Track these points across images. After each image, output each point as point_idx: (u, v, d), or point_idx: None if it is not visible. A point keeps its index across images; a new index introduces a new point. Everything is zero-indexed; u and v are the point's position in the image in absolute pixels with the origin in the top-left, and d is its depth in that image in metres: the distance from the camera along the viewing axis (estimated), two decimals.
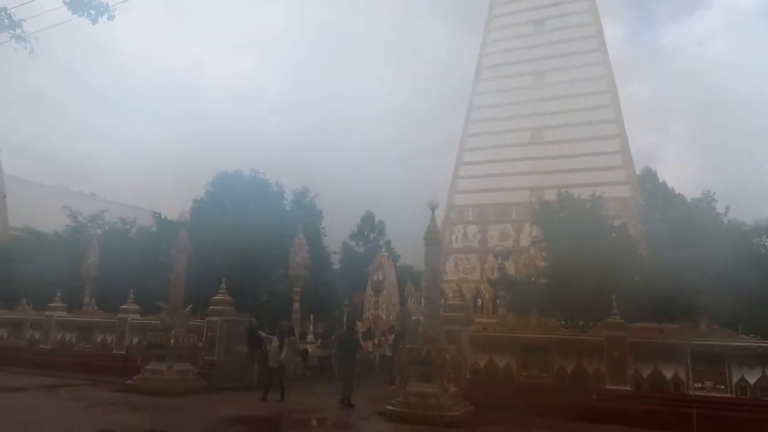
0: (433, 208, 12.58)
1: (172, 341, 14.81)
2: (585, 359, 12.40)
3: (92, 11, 8.54)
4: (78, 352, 18.86)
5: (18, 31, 10.15)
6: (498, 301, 20.34)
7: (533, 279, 17.09)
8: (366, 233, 43.19)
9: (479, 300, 25.09)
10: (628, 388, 11.94)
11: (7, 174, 34.48)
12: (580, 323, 14.86)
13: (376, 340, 19.58)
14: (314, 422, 11.54)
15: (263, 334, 14.84)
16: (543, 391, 12.26)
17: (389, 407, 11.48)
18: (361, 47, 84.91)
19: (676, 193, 23.86)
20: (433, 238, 12.59)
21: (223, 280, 16.70)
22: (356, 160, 63.12)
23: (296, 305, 18.91)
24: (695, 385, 11.47)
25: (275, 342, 14.11)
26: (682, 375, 11.67)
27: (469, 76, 29.75)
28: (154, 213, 24.99)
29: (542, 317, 14.05)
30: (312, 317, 22.73)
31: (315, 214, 26.70)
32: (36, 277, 21.13)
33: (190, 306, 16.05)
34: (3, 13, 9.74)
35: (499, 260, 19.68)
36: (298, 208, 25.66)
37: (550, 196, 18.74)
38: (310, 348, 19.79)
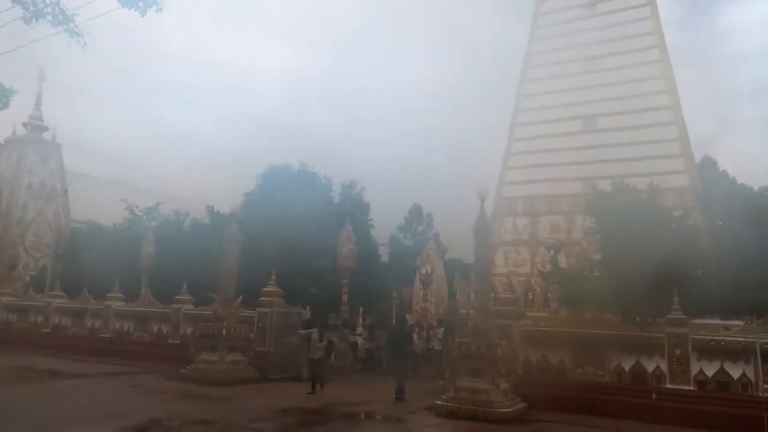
0: (482, 199, 12.30)
1: (224, 332, 15.06)
2: (644, 357, 11.89)
3: (140, 3, 8.65)
4: (135, 341, 19.47)
5: (71, 25, 10.41)
6: (549, 295, 19.82)
7: (587, 272, 16.51)
8: (414, 226, 43.03)
9: (530, 294, 24.55)
10: (691, 387, 11.37)
11: (68, 169, 35.88)
12: (638, 319, 14.27)
13: (424, 333, 19.42)
14: (363, 415, 11.48)
15: (301, 331, 14.97)
16: (599, 389, 11.83)
17: (439, 402, 11.33)
18: (408, 36, 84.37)
19: (738, 182, 22.68)
20: (482, 229, 12.31)
21: (273, 271, 16.86)
22: (404, 153, 62.96)
23: (344, 297, 18.96)
24: (765, 386, 10.81)
25: (315, 334, 14.18)
26: (751, 375, 11.02)
27: (519, 63, 29.06)
28: (208, 206, 25.59)
29: (597, 312, 13.55)
30: (361, 310, 22.79)
31: (362, 206, 26.78)
32: (96, 268, 21.98)
33: (241, 297, 16.31)
34: (57, 8, 10.00)
35: (552, 253, 19.16)
36: (345, 201, 25.79)
37: (604, 186, 18.07)
38: (359, 340, 19.83)
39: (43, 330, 22.07)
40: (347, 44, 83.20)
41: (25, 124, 34.29)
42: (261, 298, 16.73)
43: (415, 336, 18.55)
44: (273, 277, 16.82)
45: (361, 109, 78.63)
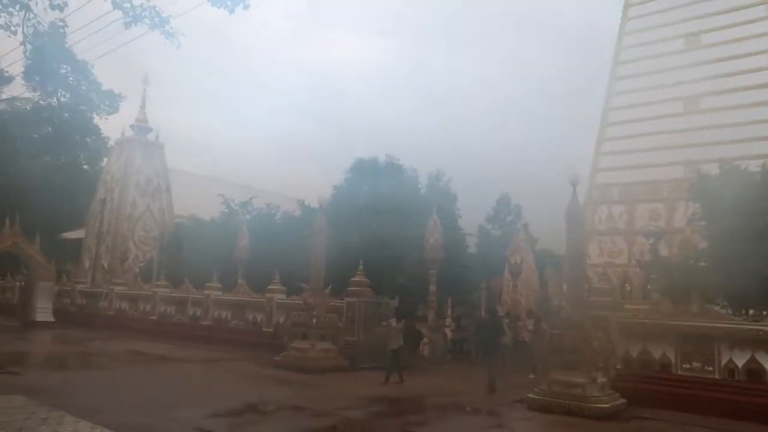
0: (574, 184, 11.74)
1: (314, 321, 15.42)
2: (760, 352, 10.90)
3: (228, 1, 8.91)
4: (232, 329, 20.39)
5: (166, 27, 10.91)
6: (649, 286, 18.73)
7: (691, 261, 15.42)
8: (502, 216, 42.17)
9: (627, 285, 23.29)
10: None
11: (170, 167, 38.15)
12: (751, 311, 13.13)
13: (513, 325, 18.97)
14: (453, 406, 11.35)
15: (384, 322, 15.01)
16: (707, 386, 10.99)
17: (531, 395, 10.97)
18: (493, 22, 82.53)
19: None
20: (575, 216, 11.76)
21: (361, 262, 17.07)
22: (492, 144, 61.81)
23: (432, 288, 18.83)
24: None
25: (394, 323, 14.15)
26: None
27: (610, 44, 27.55)
28: (299, 200, 26.41)
29: (703, 304, 12.59)
30: (449, 301, 22.65)
31: (449, 197, 26.62)
32: (196, 259, 23.26)
33: (330, 287, 16.63)
34: (153, 11, 10.51)
35: (651, 241, 18.05)
36: (432, 192, 25.77)
37: (709, 170, 16.76)
38: (446, 332, 19.68)
39: (150, 317, 23.62)
40: (432, 36, 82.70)
41: (132, 126, 36.79)
42: (349, 288, 16.99)
43: (504, 327, 18.16)
44: (360, 267, 17.02)
45: (447, 101, 77.97)
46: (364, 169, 24.98)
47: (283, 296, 19.34)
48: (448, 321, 20.95)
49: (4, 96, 39.52)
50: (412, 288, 19.66)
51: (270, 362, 15.31)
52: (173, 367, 15.17)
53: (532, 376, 14.39)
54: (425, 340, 18.32)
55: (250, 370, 14.64)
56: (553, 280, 22.43)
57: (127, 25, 11.34)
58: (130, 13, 11.10)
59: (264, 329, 19.30)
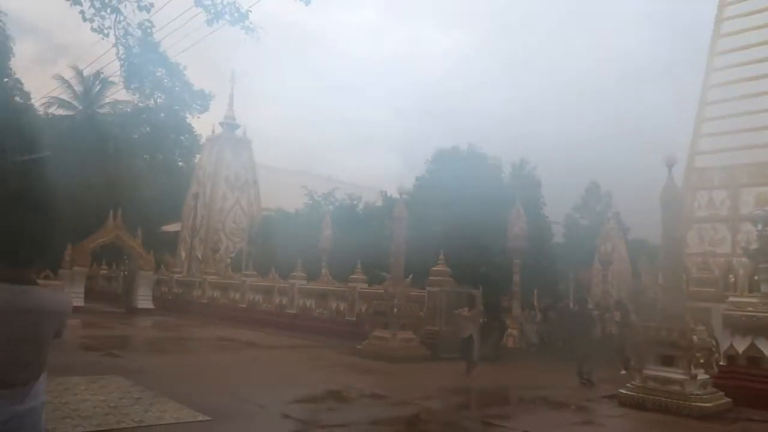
0: (670, 165, 10.88)
1: (395, 310, 15.37)
2: None
3: None
4: (316, 317, 20.79)
5: (246, 22, 11.11)
6: (757, 276, 17.17)
7: None
8: (591, 205, 40.39)
9: (731, 276, 21.55)
10: None
11: (257, 162, 39.47)
12: None
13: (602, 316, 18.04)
14: (537, 400, 10.91)
15: (456, 311, 14.68)
16: None
17: (624, 391, 10.33)
18: (578, 8, 78.99)
19: None
20: (671, 200, 10.91)
21: (442, 251, 16.85)
22: (579, 130, 59.31)
23: (516, 278, 18.30)
24: None
25: (465, 312, 13.79)
26: None
27: (707, 19, 25.47)
28: (381, 191, 26.59)
29: None
30: (536, 291, 21.97)
31: (534, 185, 25.83)
32: (282, 249, 23.92)
33: (411, 276, 16.52)
34: (233, 7, 10.73)
35: (759, 227, 16.52)
36: (516, 181, 25.13)
37: None
38: (533, 323, 19.06)
39: (240, 305, 24.56)
40: (512, 22, 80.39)
41: (221, 124, 38.36)
42: (430, 278, 16.81)
43: (595, 319, 17.34)
44: (441, 256, 16.79)
45: (532, 87, 75.68)
46: (446, 158, 24.81)
47: (365, 285, 19.47)
48: (533, 312, 20.28)
49: (107, 100, 42.59)
50: (495, 278, 19.21)
51: (352, 350, 15.45)
52: (260, 353, 15.64)
53: (623, 372, 13.65)
54: (509, 331, 17.83)
55: (333, 357, 14.82)
56: (646, 270, 21.16)
57: (209, 23, 11.66)
58: (212, 10, 11.42)
59: (347, 318, 19.52)
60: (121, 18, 11.03)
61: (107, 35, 11.05)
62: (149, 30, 11.52)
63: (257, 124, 65.66)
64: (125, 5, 10.99)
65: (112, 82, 33.08)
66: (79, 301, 24.24)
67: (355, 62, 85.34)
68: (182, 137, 46.46)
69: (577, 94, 70.23)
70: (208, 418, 7.52)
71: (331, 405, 9.55)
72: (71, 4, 10.58)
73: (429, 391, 10.81)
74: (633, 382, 10.41)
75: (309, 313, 21.22)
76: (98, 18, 10.77)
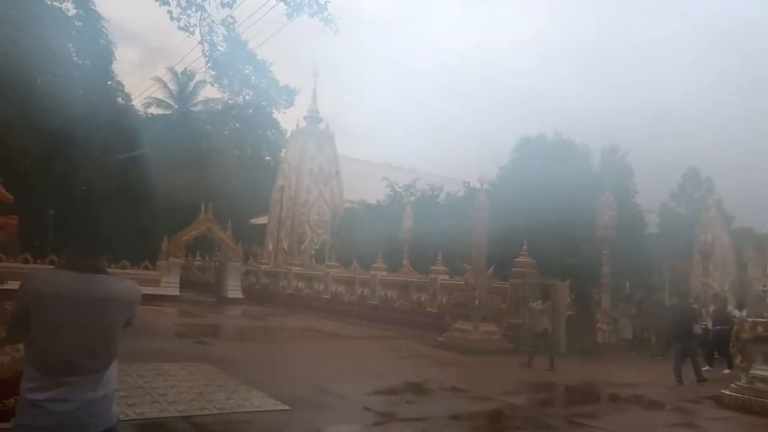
0: None
1: (476, 302, 15.04)
2: None
3: None
4: (397, 308, 20.79)
5: (325, 14, 11.14)
6: None
7: None
8: (689, 192, 37.80)
9: None
10: None
11: (340, 155, 40.00)
12: None
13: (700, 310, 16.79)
14: (630, 399, 10.28)
15: (529, 304, 14.09)
16: None
17: (727, 392, 9.52)
18: None
19: None
20: None
21: (524, 242, 16.31)
22: (675, 114, 55.65)
23: (606, 269, 17.40)
24: None
25: (539, 305, 13.17)
26: None
27: None
28: (463, 182, 26.15)
29: None
30: (628, 284, 20.85)
31: (625, 172, 24.49)
32: (364, 241, 24.09)
33: (492, 268, 16.10)
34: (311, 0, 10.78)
35: None
36: (606, 168, 23.93)
37: None
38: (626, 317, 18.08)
39: (323, 296, 25.02)
40: (599, 4, 76.54)
41: (305, 118, 39.20)
42: (513, 269, 16.32)
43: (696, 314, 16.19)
44: (524, 247, 16.26)
45: (624, 70, 71.86)
46: (530, 147, 24.01)
47: (446, 277, 19.23)
48: (628, 306, 19.24)
49: (200, 99, 44.75)
50: (583, 270, 18.35)
51: (433, 342, 15.29)
52: (341, 343, 15.82)
53: (727, 371, 12.66)
54: (599, 325, 17.02)
55: (413, 349, 14.73)
56: (753, 261, 19.52)
57: (288, 16, 11.81)
58: (291, 3, 11.54)
59: (428, 309, 19.37)
60: (206, 15, 11.42)
61: (193, 33, 11.48)
62: (232, 26, 11.85)
63: (339, 117, 66.74)
64: (209, 2, 11.36)
65: (205, 82, 34.65)
66: (174, 291, 25.65)
67: (436, 51, 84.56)
68: (269, 132, 47.99)
69: (673, 74, 65.82)
70: (287, 408, 7.61)
71: (410, 398, 9.44)
72: (159, 4, 11.04)
73: (511, 386, 10.46)
74: (738, 383, 9.57)
75: (390, 304, 21.26)
76: (184, 16, 11.20)
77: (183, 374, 9.23)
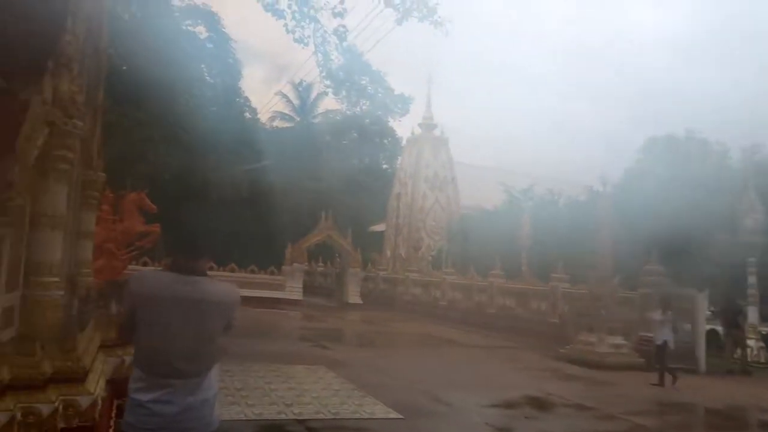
0: None
1: (602, 312, 14.11)
2: None
3: None
4: (516, 316, 20.09)
5: (435, 17, 11.05)
6: None
7: None
8: None
9: None
10: None
11: (455, 160, 39.72)
12: None
13: None
14: None
15: (649, 314, 12.85)
16: None
17: None
18: None
19: None
20: None
21: (653, 250, 15.13)
22: None
23: (752, 279, 15.63)
24: None
25: (657, 315, 11.93)
26: None
27: None
28: (586, 185, 24.96)
29: None
30: None
31: None
32: (480, 247, 23.66)
33: (618, 276, 15.06)
34: (420, 3, 10.73)
35: None
36: (748, 167, 21.64)
37: None
38: None
39: (440, 303, 24.85)
40: None
41: (419, 125, 39.42)
42: (642, 278, 15.15)
43: None
44: (653, 255, 15.05)
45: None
46: (658, 146, 22.39)
47: (568, 285, 18.29)
48: None
49: (320, 110, 46.64)
50: (725, 278, 16.64)
51: (554, 354, 14.57)
52: (458, 351, 15.55)
53: None
54: (747, 342, 15.30)
55: (533, 360, 14.12)
56: None
57: (398, 22, 11.87)
58: (401, 9, 11.59)
59: (548, 319, 18.52)
60: (319, 26, 11.80)
61: (307, 44, 11.90)
62: (344, 35, 12.14)
63: (453, 122, 66.36)
64: (321, 14, 11.72)
65: (324, 93, 36.06)
66: (297, 295, 26.76)
67: (551, 49, 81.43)
68: (385, 141, 48.87)
69: None
70: (401, 416, 7.54)
71: (529, 412, 8.98)
72: (276, 19, 11.55)
73: (641, 405, 9.64)
74: None
75: (508, 313, 20.61)
76: (299, 29, 11.65)
77: (301, 377, 9.50)
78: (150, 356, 2.51)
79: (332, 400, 7.98)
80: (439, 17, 11.29)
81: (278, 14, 11.14)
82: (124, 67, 27.23)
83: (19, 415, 3.16)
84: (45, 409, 3.31)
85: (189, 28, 28.61)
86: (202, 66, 30.02)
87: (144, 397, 2.47)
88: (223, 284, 2.73)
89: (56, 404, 3.40)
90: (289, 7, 11.44)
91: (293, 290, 26.93)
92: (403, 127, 51.66)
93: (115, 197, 12.40)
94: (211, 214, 2.87)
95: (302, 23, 11.26)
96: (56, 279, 4.31)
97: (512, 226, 22.96)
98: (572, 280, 18.23)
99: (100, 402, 3.81)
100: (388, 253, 37.80)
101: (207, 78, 30.82)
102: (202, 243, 2.67)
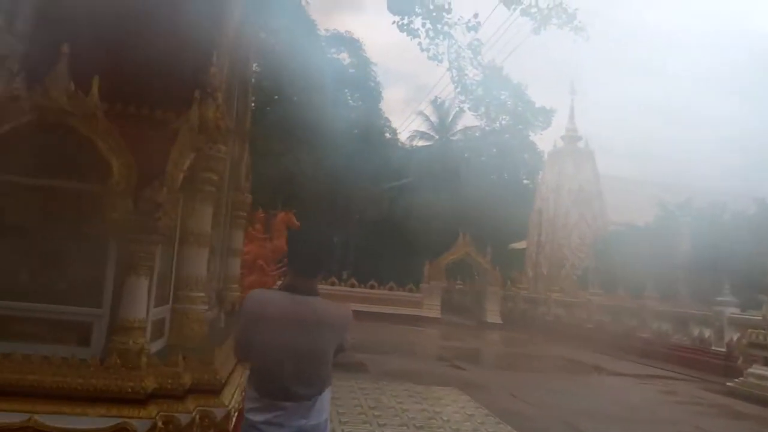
0: None
1: None
2: None
3: None
4: (673, 344, 18.25)
5: (575, 22, 10.51)
6: None
7: None
8: None
9: None
10: None
11: (601, 173, 37.46)
12: None
13: None
14: None
15: None
16: None
17: None
18: None
19: None
20: None
21: None
22: None
23: None
24: None
25: None
26: None
27: None
28: (755, 198, 22.24)
29: None
30: None
31: None
32: (629, 266, 21.95)
33: None
34: (559, 8, 10.25)
35: None
36: None
37: None
38: None
39: (586, 325, 23.37)
40: None
41: (562, 137, 37.83)
42: None
43: None
44: None
45: None
46: None
47: (737, 309, 16.27)
48: None
49: (459, 127, 46.66)
50: None
51: (719, 388, 12.98)
52: (604, 379, 14.46)
53: None
54: None
55: (694, 394, 12.66)
56: None
57: (535, 31, 11.46)
58: (538, 17, 11.18)
59: (713, 348, 16.58)
60: (452, 42, 11.73)
61: (441, 60, 11.88)
62: (478, 49, 11.95)
63: (599, 133, 62.66)
64: (455, 29, 11.66)
65: (462, 110, 36.05)
66: (436, 313, 26.70)
67: (705, 53, 74.04)
68: (525, 155, 47.53)
69: None
70: None
71: None
72: (411, 39, 11.69)
73: None
74: None
75: (664, 339, 18.78)
76: (433, 46, 11.67)
77: (434, 398, 9.34)
78: (263, 377, 2.53)
79: (464, 426, 7.73)
80: (579, 22, 10.72)
81: (413, 33, 11.24)
82: (276, 97, 29.38)
83: (160, 423, 3.39)
84: (183, 419, 3.53)
85: (334, 56, 30.19)
86: (346, 90, 31.46)
87: (257, 417, 2.48)
88: (335, 304, 2.68)
89: (194, 414, 3.61)
90: (423, 25, 11.52)
91: (431, 308, 26.92)
92: (545, 141, 49.88)
93: (267, 216, 13.34)
94: (331, 234, 2.87)
95: (436, 40, 11.27)
96: (201, 294, 4.63)
97: (667, 243, 21.07)
98: (743, 304, 16.23)
99: (234, 415, 3.99)
100: (530, 271, 36.46)
101: (350, 101, 32.24)
102: (319, 264, 2.66)
